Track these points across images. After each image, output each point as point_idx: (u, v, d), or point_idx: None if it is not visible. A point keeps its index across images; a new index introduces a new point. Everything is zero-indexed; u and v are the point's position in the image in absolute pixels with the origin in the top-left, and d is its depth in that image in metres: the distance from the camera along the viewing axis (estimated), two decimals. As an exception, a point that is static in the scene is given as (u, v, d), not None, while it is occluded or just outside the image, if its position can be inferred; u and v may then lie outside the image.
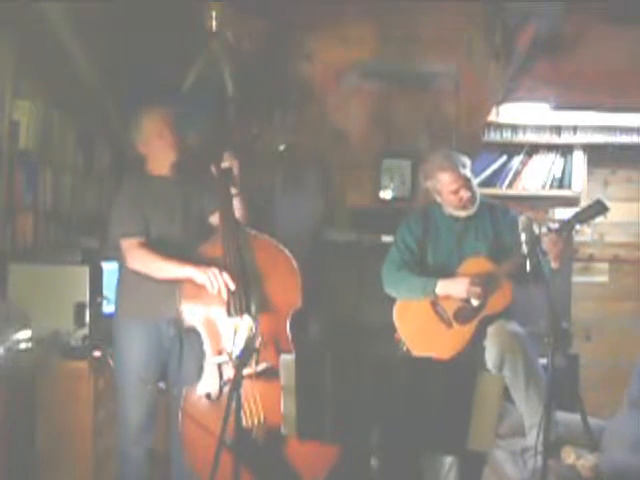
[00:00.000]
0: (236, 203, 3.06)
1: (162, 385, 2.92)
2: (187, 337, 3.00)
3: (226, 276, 2.89)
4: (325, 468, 2.89)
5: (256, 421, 2.84)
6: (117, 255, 3.08)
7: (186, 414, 2.91)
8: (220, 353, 2.90)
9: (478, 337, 3.09)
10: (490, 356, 3.00)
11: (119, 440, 3.08)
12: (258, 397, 2.84)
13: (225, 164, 3.04)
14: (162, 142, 3.07)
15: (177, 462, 3.07)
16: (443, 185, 3.24)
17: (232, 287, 2.88)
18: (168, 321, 2.98)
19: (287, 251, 3.02)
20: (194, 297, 2.94)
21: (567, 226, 2.99)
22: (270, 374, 2.84)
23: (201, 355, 2.94)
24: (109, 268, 3.27)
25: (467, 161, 3.28)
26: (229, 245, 2.98)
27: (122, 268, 3.08)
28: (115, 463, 3.20)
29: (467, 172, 3.24)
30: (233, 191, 3.04)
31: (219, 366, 2.90)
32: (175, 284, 2.93)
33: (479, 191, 3.32)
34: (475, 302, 3.10)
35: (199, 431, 2.85)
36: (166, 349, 3.04)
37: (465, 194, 3.21)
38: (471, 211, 3.26)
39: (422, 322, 3.19)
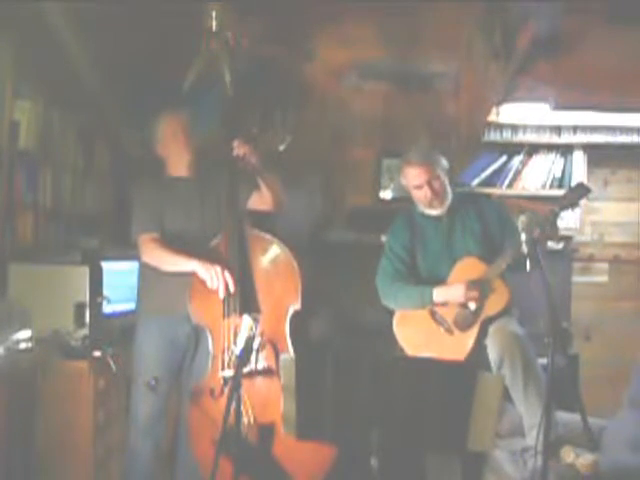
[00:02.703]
0: (262, 190, 3.10)
1: (152, 382, 2.95)
2: (200, 334, 3.05)
3: (228, 275, 2.90)
4: (321, 471, 2.87)
5: (246, 421, 2.84)
6: (136, 254, 3.15)
7: (192, 411, 2.95)
8: (223, 352, 2.92)
9: (481, 341, 3.08)
10: (490, 355, 2.99)
11: (128, 435, 3.13)
12: (247, 397, 2.84)
13: (236, 152, 3.04)
14: (177, 144, 3.14)
15: (182, 459, 3.11)
16: (408, 180, 3.22)
17: (232, 287, 2.91)
18: (182, 318, 3.04)
19: (288, 251, 3.03)
20: (201, 297, 2.98)
21: (552, 215, 2.91)
22: (264, 374, 2.86)
23: (209, 353, 2.98)
24: (109, 268, 3.27)
25: (441, 159, 3.21)
26: (230, 245, 3.00)
27: (141, 266, 3.15)
28: (116, 463, 3.21)
29: (437, 169, 3.17)
30: (257, 176, 3.08)
31: (221, 365, 2.92)
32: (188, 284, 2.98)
33: (451, 189, 3.25)
34: (473, 306, 3.08)
35: (203, 428, 2.87)
36: (180, 345, 3.10)
37: (428, 192, 3.16)
38: (440, 211, 3.22)
39: (423, 332, 3.16)
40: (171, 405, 3.16)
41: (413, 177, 3.18)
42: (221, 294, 2.92)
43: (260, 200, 3.14)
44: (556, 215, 2.92)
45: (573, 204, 2.96)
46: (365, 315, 3.98)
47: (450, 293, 3.10)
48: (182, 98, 3.35)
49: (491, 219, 3.22)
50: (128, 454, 3.12)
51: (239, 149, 3.03)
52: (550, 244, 3.82)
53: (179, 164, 3.16)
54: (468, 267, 3.13)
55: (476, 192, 3.38)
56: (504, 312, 3.10)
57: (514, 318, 3.14)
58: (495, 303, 3.08)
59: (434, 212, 3.24)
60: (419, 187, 3.18)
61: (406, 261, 3.26)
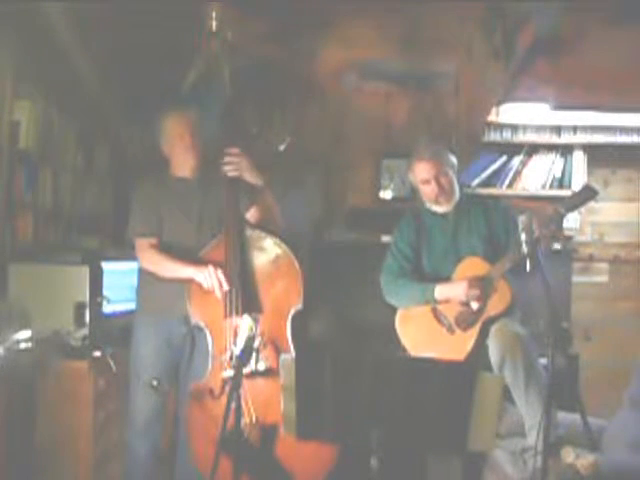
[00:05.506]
0: (261, 209, 3.13)
1: (155, 383, 2.94)
2: (197, 335, 3.04)
3: (220, 274, 2.91)
4: (322, 471, 2.87)
5: (249, 421, 2.85)
6: (133, 255, 3.13)
7: (191, 411, 2.94)
8: (223, 352, 2.92)
9: (482, 341, 3.07)
10: (492, 356, 2.99)
11: (126, 435, 3.12)
12: (250, 397, 2.84)
13: (230, 161, 3.07)
14: (182, 144, 3.12)
15: (181, 460, 3.10)
16: (416, 174, 3.23)
17: (225, 286, 2.91)
18: (179, 319, 3.03)
19: (289, 251, 3.03)
20: (200, 297, 2.97)
21: (557, 216, 2.91)
22: (267, 374, 2.86)
23: (208, 353, 2.97)
24: (109, 268, 3.27)
25: (450, 157, 3.23)
26: (231, 245, 3.00)
27: (140, 268, 3.14)
28: (115, 463, 3.21)
29: (445, 166, 3.19)
30: (259, 183, 3.10)
31: (221, 365, 2.92)
32: (185, 284, 2.98)
33: (465, 190, 3.29)
34: (475, 305, 3.08)
35: (203, 428, 2.87)
36: (177, 347, 3.09)
37: (435, 187, 3.18)
38: (446, 208, 3.23)
39: (425, 331, 3.16)
40: (169, 405, 3.16)
41: (421, 171, 3.19)
42: (217, 293, 2.93)
43: (259, 216, 3.15)
44: (562, 216, 2.92)
45: (579, 206, 2.96)
46: (365, 315, 3.98)
47: (452, 290, 3.10)
48: (182, 98, 3.35)
49: (497, 220, 3.23)
50: (127, 454, 3.12)
51: (229, 165, 3.06)
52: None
53: (183, 165, 3.15)
54: (472, 266, 3.13)
55: (483, 194, 3.38)
56: (506, 312, 3.09)
57: (516, 319, 3.14)
58: (497, 303, 3.08)
59: (440, 209, 3.24)
60: (427, 182, 3.19)
61: (411, 259, 3.27)
